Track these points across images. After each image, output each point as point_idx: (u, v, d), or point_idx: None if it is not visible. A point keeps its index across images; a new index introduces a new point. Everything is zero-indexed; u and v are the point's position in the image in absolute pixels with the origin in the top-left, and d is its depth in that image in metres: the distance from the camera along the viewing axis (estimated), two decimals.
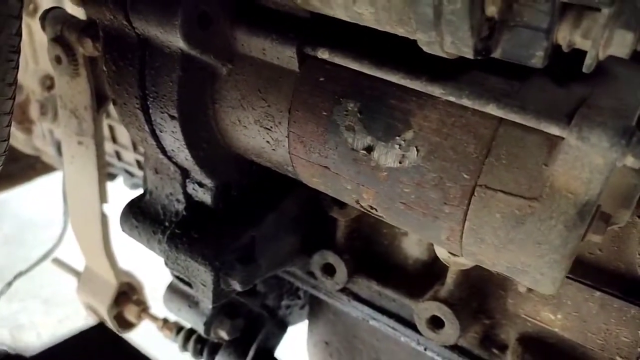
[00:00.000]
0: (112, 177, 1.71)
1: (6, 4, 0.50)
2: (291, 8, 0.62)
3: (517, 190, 0.52)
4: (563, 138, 0.48)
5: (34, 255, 1.72)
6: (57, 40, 0.90)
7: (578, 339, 0.70)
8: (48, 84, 1.61)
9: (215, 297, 0.79)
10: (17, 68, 0.55)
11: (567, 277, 0.69)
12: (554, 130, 0.49)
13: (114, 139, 1.48)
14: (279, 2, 0.62)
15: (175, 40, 0.63)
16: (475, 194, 0.53)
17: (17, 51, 0.53)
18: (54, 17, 0.91)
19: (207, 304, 0.82)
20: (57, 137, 1.63)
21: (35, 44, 1.57)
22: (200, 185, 0.81)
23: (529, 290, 0.73)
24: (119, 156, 1.51)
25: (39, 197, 3.31)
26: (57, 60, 0.92)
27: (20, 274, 1.65)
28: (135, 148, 1.44)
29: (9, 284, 1.68)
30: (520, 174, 0.51)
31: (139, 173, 1.52)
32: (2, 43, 0.50)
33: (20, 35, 0.54)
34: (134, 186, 1.77)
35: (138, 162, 1.46)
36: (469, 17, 0.44)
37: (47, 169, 2.07)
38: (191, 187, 0.82)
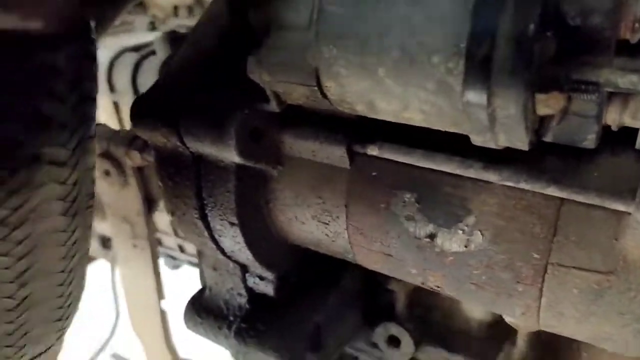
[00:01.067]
0: None
1: (85, 162, 0.54)
2: (337, 110, 0.65)
3: (591, 265, 0.52)
4: (629, 213, 0.50)
5: (86, 345, 1.74)
6: (105, 155, 0.95)
7: None
8: None
9: None
10: (93, 211, 0.58)
11: None
12: (619, 207, 0.50)
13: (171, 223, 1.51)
14: (325, 108, 0.66)
15: (230, 155, 0.66)
16: (549, 271, 0.54)
17: (93, 197, 0.57)
18: (99, 134, 0.96)
19: None
20: (99, 230, 1.68)
21: None
22: (261, 278, 0.83)
23: None
24: (160, 242, 1.55)
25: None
26: (106, 173, 0.97)
27: None
28: (176, 233, 1.47)
29: None
30: (592, 250, 0.52)
31: (181, 256, 1.55)
32: (82, 196, 0.54)
33: (94, 182, 0.58)
34: (176, 267, 1.80)
35: (180, 247, 1.49)
36: (524, 120, 0.46)
37: (90, 259, 2.11)
38: (252, 281, 0.84)
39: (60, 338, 0.62)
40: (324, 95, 0.57)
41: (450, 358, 0.87)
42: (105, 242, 1.66)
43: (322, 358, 0.81)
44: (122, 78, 1.21)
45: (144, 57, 1.26)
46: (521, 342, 0.76)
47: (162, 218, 1.46)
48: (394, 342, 0.90)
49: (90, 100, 0.55)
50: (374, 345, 0.96)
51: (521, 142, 0.49)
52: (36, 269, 0.51)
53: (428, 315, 0.89)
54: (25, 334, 0.55)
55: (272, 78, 0.59)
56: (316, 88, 0.56)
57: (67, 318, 0.60)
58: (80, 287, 0.60)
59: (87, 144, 0.55)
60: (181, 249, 1.51)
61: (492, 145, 0.52)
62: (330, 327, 0.85)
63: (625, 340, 0.54)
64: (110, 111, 1.33)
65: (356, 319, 0.91)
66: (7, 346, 0.54)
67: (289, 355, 0.79)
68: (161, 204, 1.02)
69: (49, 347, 0.61)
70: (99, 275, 2.06)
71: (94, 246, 1.75)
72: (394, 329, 0.89)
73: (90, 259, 2.08)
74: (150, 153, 0.84)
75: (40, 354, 0.60)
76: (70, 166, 0.52)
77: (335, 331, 0.86)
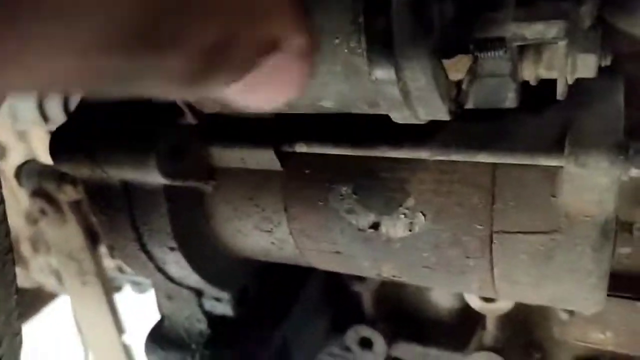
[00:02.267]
0: (118, 289, 1.69)
1: None
2: (258, 114, 0.62)
3: (534, 227, 0.51)
4: (561, 167, 0.48)
5: None
6: (37, 193, 0.90)
7: (635, 351, 0.68)
8: (33, 217, 1.60)
9: None
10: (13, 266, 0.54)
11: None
12: (550, 162, 0.49)
13: (112, 255, 1.46)
14: (245, 113, 0.63)
15: (154, 177, 0.63)
16: (495, 241, 0.53)
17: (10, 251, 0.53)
18: (29, 171, 0.91)
19: None
20: (56, 266, 1.61)
21: (10, 182, 1.56)
22: (217, 300, 0.79)
23: (571, 315, 0.71)
24: (121, 269, 1.49)
25: (48, 326, 3.24)
26: (42, 212, 0.91)
27: None
28: (120, 269, 1.41)
29: None
30: (533, 211, 0.50)
31: (145, 281, 1.50)
32: None
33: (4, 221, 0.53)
34: (142, 290, 1.74)
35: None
36: (437, 89, 0.44)
37: (52, 295, 2.04)
38: (209, 305, 0.80)
39: None
40: None
41: (424, 352, 0.84)
42: (61, 278, 1.59)
43: None
44: (55, 107, 1.15)
45: None
46: (491, 326, 0.74)
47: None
48: (366, 343, 0.87)
49: None
50: (348, 349, 0.93)
51: (441, 113, 0.47)
52: None
53: (397, 311, 0.87)
54: None
55: None
56: None
57: None
58: (12, 319, 0.55)
59: None
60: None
61: (414, 121, 0.49)
62: (299, 339, 0.81)
63: (584, 298, 0.52)
64: (46, 141, 1.27)
65: (325, 326, 0.88)
66: None
67: None
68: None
69: None
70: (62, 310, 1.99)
71: (51, 282, 1.68)
72: (365, 331, 0.86)
73: (51, 297, 2.00)
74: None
75: None
76: None
77: (304, 342, 0.82)
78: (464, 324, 0.81)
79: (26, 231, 1.58)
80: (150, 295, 0.89)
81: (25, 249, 1.60)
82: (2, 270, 0.53)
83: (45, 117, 1.32)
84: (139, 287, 1.64)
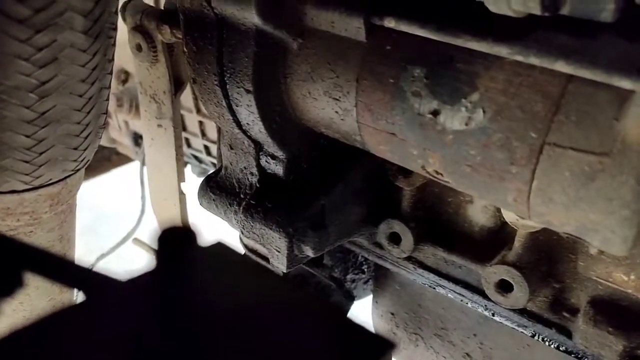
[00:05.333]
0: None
1: None
2: None
3: (587, 146, 0.52)
4: (634, 92, 0.49)
5: (110, 242, 1.85)
6: (137, 29, 0.98)
7: None
8: (123, 77, 1.72)
9: (289, 262, 0.84)
10: (115, 45, 0.61)
11: None
12: (625, 84, 0.49)
13: (183, 127, 1.57)
14: None
15: (250, 16, 0.68)
16: (544, 152, 0.54)
17: (116, 28, 0.59)
18: (133, 7, 0.99)
19: (281, 270, 0.87)
20: (133, 128, 1.74)
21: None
22: (273, 157, 0.86)
23: (600, 252, 0.73)
24: (188, 143, 1.60)
25: (112, 189, 3.51)
26: (138, 48, 1.00)
27: (102, 256, 1.78)
28: (203, 135, 1.52)
29: (92, 265, 1.81)
30: (591, 130, 0.52)
31: (207, 159, 1.61)
32: (104, 21, 0.56)
33: (117, 14, 0.60)
34: (201, 174, 1.86)
35: (206, 147, 1.54)
36: None
37: (122, 160, 2.20)
38: (264, 160, 0.87)
39: (77, 170, 0.66)
40: None
41: (447, 257, 0.88)
42: (137, 140, 1.73)
43: (323, 238, 0.84)
44: None
45: None
46: (518, 243, 0.77)
47: (192, 119, 1.50)
48: (395, 239, 0.92)
49: None
50: (376, 244, 0.99)
51: (534, 3, 0.48)
52: (56, 82, 0.54)
53: (432, 217, 0.91)
54: (42, 153, 0.59)
55: None
56: None
57: (84, 149, 0.64)
58: (99, 121, 0.64)
59: None
60: (207, 151, 1.56)
61: (506, 10, 0.51)
62: (334, 214, 0.87)
63: (611, 230, 0.54)
64: (150, 1, 1.36)
65: (361, 213, 0.93)
66: (24, 161, 0.59)
67: (291, 231, 0.82)
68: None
69: (65, 178, 0.65)
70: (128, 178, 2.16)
71: (127, 144, 1.82)
72: (397, 226, 0.91)
73: (124, 160, 2.17)
74: (180, 30, 0.86)
75: (56, 182, 0.64)
76: None
77: (338, 218, 0.88)
78: (491, 242, 0.84)
79: (114, 88, 1.71)
80: None
81: (110, 103, 1.74)
82: (106, 39, 0.59)
83: None
84: (199, 167, 1.76)
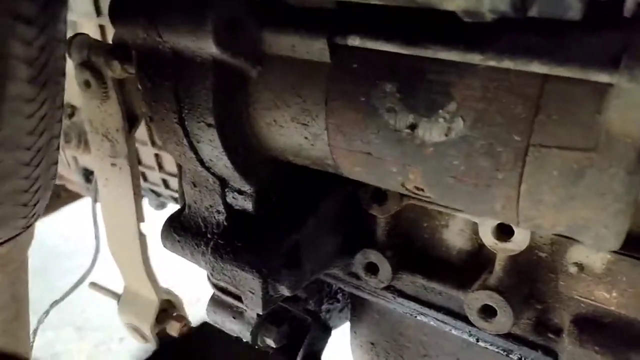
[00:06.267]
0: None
1: (55, 29, 0.51)
2: (316, 2, 0.63)
3: (572, 143, 0.51)
4: (612, 85, 0.48)
5: (63, 284, 1.73)
6: (85, 65, 0.92)
7: (637, 315, 0.69)
8: (69, 112, 1.63)
9: (264, 303, 0.80)
10: (64, 91, 0.56)
11: (620, 253, 0.68)
12: (602, 77, 0.48)
13: (139, 161, 1.50)
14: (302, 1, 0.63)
15: (206, 46, 0.64)
16: (529, 154, 0.53)
17: (64, 74, 0.54)
18: (79, 42, 0.93)
19: (256, 311, 0.82)
20: (83, 164, 1.65)
21: None
22: (240, 192, 0.82)
23: (580, 270, 0.72)
24: (144, 177, 1.53)
25: (63, 227, 3.35)
26: (86, 84, 0.94)
27: (57, 302, 1.66)
28: (160, 167, 1.45)
29: (46, 312, 1.69)
30: (574, 126, 0.51)
31: (165, 192, 1.54)
32: (51, 67, 0.51)
33: (65, 59, 0.55)
34: (160, 207, 1.78)
35: (164, 180, 1.47)
36: None
37: (71, 197, 2.09)
38: (231, 197, 0.83)
39: (27, 227, 0.60)
40: None
41: (426, 285, 0.86)
42: (88, 176, 1.64)
43: (298, 276, 0.80)
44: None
45: None
46: (498, 267, 0.75)
47: (147, 152, 1.43)
48: (372, 269, 0.89)
49: None
50: (352, 275, 0.95)
51: (504, 5, 0.47)
52: (1, 137, 0.48)
53: (408, 244, 0.88)
54: None
55: None
56: None
57: (34, 204, 0.58)
58: (49, 173, 0.58)
59: (57, 7, 0.52)
60: (165, 184, 1.49)
61: (477, 15, 0.49)
62: (308, 249, 0.84)
63: (604, 226, 0.52)
64: (97, 35, 1.29)
65: (336, 243, 0.90)
66: None
67: (265, 271, 0.78)
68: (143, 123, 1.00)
69: (16, 235, 0.59)
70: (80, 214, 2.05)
71: (77, 180, 1.73)
72: (374, 256, 0.88)
73: (74, 196, 2.06)
74: (131, 64, 0.81)
75: (5, 241, 0.58)
76: (37, 26, 0.49)
77: (313, 253, 0.85)
78: (471, 266, 0.83)
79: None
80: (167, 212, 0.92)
81: None
82: (54, 86, 0.54)
83: (98, 10, 1.34)
84: (157, 201, 1.68)
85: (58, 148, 0.59)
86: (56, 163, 0.60)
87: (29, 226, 0.60)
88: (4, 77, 0.46)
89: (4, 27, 0.45)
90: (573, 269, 0.72)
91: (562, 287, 0.75)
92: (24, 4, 0.47)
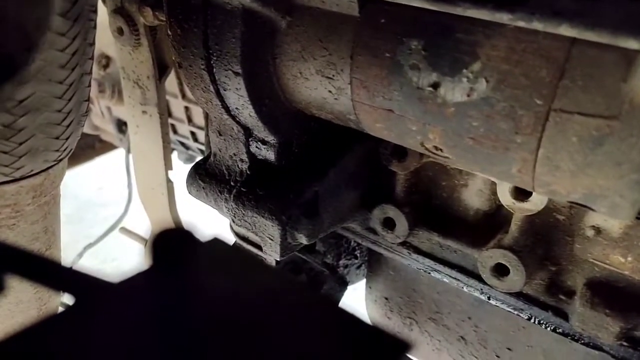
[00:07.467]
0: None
1: None
2: None
3: (594, 110, 0.51)
4: None
5: (96, 231, 1.81)
6: (118, 11, 0.94)
7: None
8: (104, 62, 1.67)
9: (282, 250, 0.82)
10: (96, 28, 0.58)
11: (638, 218, 0.68)
12: (631, 44, 0.48)
13: (169, 113, 1.53)
14: None
15: None
16: (550, 119, 0.53)
17: (96, 11, 0.56)
18: None
19: (274, 258, 0.85)
20: (116, 114, 1.70)
21: None
22: (263, 142, 0.84)
23: (597, 233, 0.72)
24: (174, 129, 1.57)
25: (97, 178, 3.45)
26: (119, 31, 0.96)
27: (90, 246, 1.75)
28: (189, 121, 1.48)
29: (80, 255, 1.78)
30: (598, 93, 0.50)
31: (194, 146, 1.57)
32: (83, 2, 0.53)
33: None
34: (188, 160, 1.83)
35: (193, 134, 1.51)
36: None
37: (106, 148, 2.15)
38: (254, 146, 0.85)
39: (59, 160, 0.63)
40: None
41: (442, 242, 0.87)
42: (121, 127, 1.69)
43: (316, 226, 0.83)
44: None
45: None
46: (514, 227, 0.76)
47: (177, 104, 1.46)
48: (389, 224, 0.91)
49: None
50: (369, 230, 0.97)
51: None
52: (34, 69, 0.51)
53: (426, 201, 0.89)
54: (22, 143, 0.56)
55: None
56: None
57: (66, 138, 0.61)
58: (81, 109, 0.61)
59: None
60: (194, 137, 1.52)
61: None
62: (327, 200, 0.86)
63: (620, 195, 0.52)
64: None
65: (354, 198, 0.91)
66: (3, 152, 0.56)
67: (284, 219, 0.80)
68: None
69: (48, 168, 0.62)
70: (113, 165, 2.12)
71: (110, 130, 1.78)
72: (391, 211, 0.89)
73: (108, 147, 2.12)
74: (163, 12, 0.82)
75: (38, 173, 0.61)
76: None
77: (332, 205, 0.87)
78: (487, 226, 0.83)
79: (95, 74, 1.66)
80: None
81: (91, 89, 1.68)
82: (85, 22, 0.55)
83: None
84: (186, 154, 1.72)
85: (89, 85, 0.62)
86: (87, 100, 0.63)
87: (61, 159, 0.63)
88: (49, 6, 0.48)
89: None
90: (590, 232, 0.72)
91: (577, 250, 0.75)
92: None
